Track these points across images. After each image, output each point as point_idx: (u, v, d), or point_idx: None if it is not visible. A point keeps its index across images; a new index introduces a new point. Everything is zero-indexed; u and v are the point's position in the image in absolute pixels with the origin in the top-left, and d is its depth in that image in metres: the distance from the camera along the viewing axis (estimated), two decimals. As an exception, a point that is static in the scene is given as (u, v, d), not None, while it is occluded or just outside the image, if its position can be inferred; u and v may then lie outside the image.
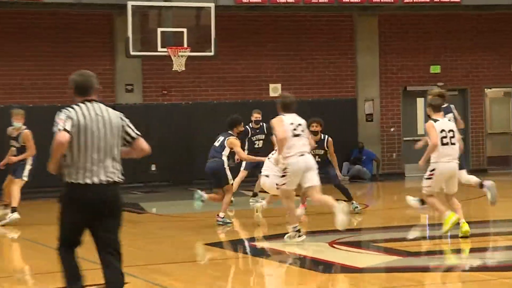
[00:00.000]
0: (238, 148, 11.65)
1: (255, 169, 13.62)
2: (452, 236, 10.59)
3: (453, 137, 9.49)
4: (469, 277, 7.72)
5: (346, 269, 8.21)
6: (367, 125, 19.94)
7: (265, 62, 19.48)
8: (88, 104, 5.80)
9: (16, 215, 11.88)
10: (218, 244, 9.80)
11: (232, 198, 12.25)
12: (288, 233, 9.58)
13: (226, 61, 19.08)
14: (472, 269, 8.05)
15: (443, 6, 19.61)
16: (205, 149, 19.02)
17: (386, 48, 20.09)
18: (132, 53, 15.73)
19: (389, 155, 19.88)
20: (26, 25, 18.10)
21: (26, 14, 18.05)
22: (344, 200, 11.72)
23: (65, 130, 5.64)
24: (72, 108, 5.78)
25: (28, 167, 12.01)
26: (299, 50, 19.64)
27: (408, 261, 8.66)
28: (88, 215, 5.72)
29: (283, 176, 9.38)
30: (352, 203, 12.01)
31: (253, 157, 12.56)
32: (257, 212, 11.23)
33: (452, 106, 11.51)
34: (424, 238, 10.56)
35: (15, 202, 11.93)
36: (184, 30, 15.90)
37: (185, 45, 15.80)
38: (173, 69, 15.94)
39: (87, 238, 5.96)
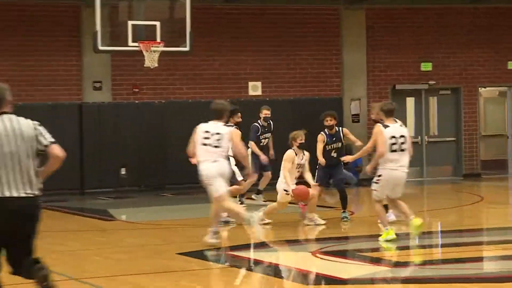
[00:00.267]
0: (237, 139, 11.65)
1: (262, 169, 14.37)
2: (444, 245, 10.65)
3: (403, 143, 9.87)
4: (461, 289, 7.77)
5: (330, 280, 8.23)
6: (353, 126, 19.95)
7: (244, 58, 19.49)
8: None
9: None
10: (192, 254, 9.79)
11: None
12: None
13: (202, 57, 19.06)
14: (464, 280, 8.09)
15: (436, -2, 19.79)
16: (179, 152, 19.11)
17: (374, 44, 20.17)
18: (100, 47, 15.67)
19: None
20: (-14, 17, 17.97)
21: (-14, 5, 17.93)
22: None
23: None
24: None
25: None
26: (280, 46, 19.66)
27: (396, 272, 8.69)
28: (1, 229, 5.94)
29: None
30: (344, 211, 12.16)
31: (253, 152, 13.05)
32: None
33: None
34: (412, 247, 10.60)
35: None
36: (157, 23, 15.86)
37: (158, 40, 15.75)
38: (145, 65, 15.89)
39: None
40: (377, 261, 9.30)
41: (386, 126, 10.03)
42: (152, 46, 15.64)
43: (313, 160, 12.34)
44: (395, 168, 9.87)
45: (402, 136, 9.95)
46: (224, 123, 10.46)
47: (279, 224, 12.57)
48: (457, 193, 18.03)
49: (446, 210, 14.24)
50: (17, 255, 6.07)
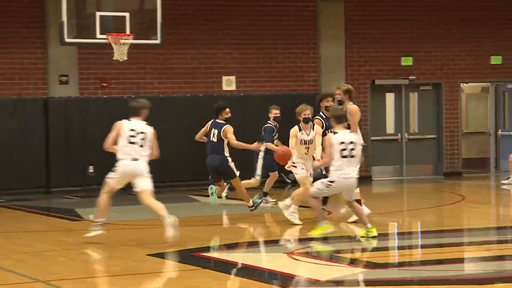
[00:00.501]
0: (230, 135, 13.04)
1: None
2: (423, 246, 10.78)
3: (353, 149, 10.38)
4: (440, 291, 7.88)
5: (306, 282, 8.30)
6: (331, 123, 20.10)
7: (217, 51, 19.51)
8: None
9: None
10: (163, 255, 9.83)
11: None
12: None
13: (174, 50, 19.06)
14: (444, 282, 8.20)
15: (416, -9, 19.92)
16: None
17: (353, 37, 20.27)
18: (67, 40, 15.60)
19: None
20: None
21: None
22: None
23: None
24: None
25: None
26: (256, 39, 19.71)
27: (373, 274, 8.79)
28: None
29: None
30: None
31: (245, 145, 13.27)
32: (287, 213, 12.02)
33: None
34: (392, 248, 10.72)
35: None
36: (127, 14, 15.82)
37: (128, 32, 15.71)
38: (113, 59, 15.85)
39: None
40: (354, 262, 9.40)
41: (335, 133, 10.53)
42: (121, 39, 15.60)
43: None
44: (345, 177, 10.38)
45: (351, 142, 10.42)
46: (144, 121, 11.12)
47: (259, 224, 12.64)
48: (438, 192, 18.20)
49: (426, 209, 14.38)
50: None
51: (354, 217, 11.93)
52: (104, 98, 18.61)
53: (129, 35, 15.63)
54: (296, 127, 11.96)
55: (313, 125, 11.99)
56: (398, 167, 20.39)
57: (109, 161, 18.61)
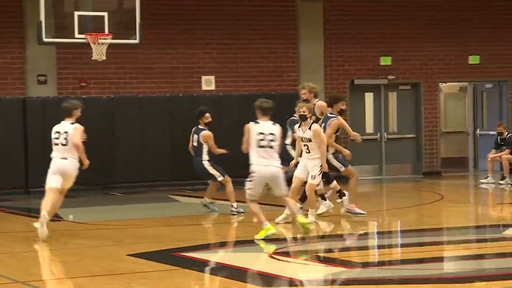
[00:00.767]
0: (211, 142, 13.47)
1: None
2: (403, 245, 10.83)
3: (272, 140, 10.56)
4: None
5: (286, 282, 8.32)
6: (311, 123, 20.13)
7: (197, 51, 19.50)
8: None
9: None
10: (143, 255, 9.81)
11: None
12: None
13: (153, 50, 19.02)
14: (424, 281, 8.24)
15: (395, -10, 20.00)
16: (128, 149, 19.07)
17: (332, 37, 20.32)
18: (45, 39, 15.55)
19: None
20: None
21: None
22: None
23: None
24: None
25: None
26: (235, 39, 19.71)
27: (355, 273, 8.82)
28: None
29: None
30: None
31: (222, 150, 13.44)
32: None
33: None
34: (373, 247, 10.76)
35: None
36: (105, 14, 15.79)
37: (106, 31, 15.68)
38: (92, 58, 15.82)
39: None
40: (334, 261, 9.42)
41: (256, 123, 10.75)
42: (99, 38, 15.57)
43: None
44: (266, 164, 10.49)
45: (271, 133, 10.59)
46: (72, 122, 11.65)
47: (240, 224, 12.65)
48: (417, 191, 18.29)
49: (405, 209, 14.45)
50: None
51: (322, 209, 12.34)
52: (83, 98, 18.50)
53: (107, 34, 15.61)
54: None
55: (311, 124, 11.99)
56: (378, 166, 20.47)
57: (90, 161, 18.62)
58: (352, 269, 9.00)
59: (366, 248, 10.69)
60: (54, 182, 11.37)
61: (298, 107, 12.00)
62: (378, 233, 11.80)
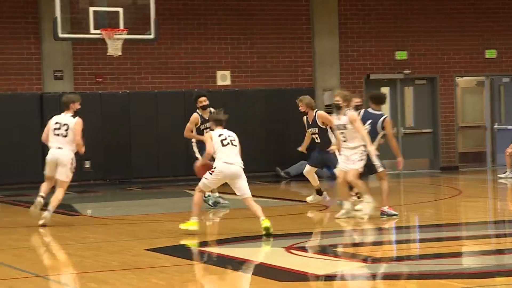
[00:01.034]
0: (190, 125, 13.49)
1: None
2: (422, 240, 10.82)
3: (234, 140, 10.90)
4: (440, 285, 7.90)
5: (304, 276, 8.32)
6: (327, 118, 20.10)
7: (211, 46, 19.51)
8: None
9: None
10: (161, 250, 9.85)
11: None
12: None
13: (168, 45, 19.05)
14: (443, 276, 8.23)
15: (411, -16, 19.95)
16: (144, 144, 19.12)
17: (347, 31, 20.28)
18: (60, 35, 15.60)
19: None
20: None
21: None
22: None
23: None
24: None
25: None
26: (250, 34, 19.71)
27: (372, 268, 8.82)
28: None
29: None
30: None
31: (200, 136, 13.29)
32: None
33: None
34: (390, 242, 10.75)
35: None
36: (120, 9, 15.83)
37: (122, 27, 15.72)
38: (108, 54, 15.86)
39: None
40: (352, 256, 9.42)
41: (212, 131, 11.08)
42: (115, 34, 15.60)
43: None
44: (230, 162, 10.69)
45: (230, 136, 10.92)
46: (72, 115, 12.28)
47: (250, 219, 12.67)
48: (435, 186, 18.24)
49: (423, 204, 14.41)
50: None
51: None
52: (99, 94, 18.60)
53: (123, 30, 15.63)
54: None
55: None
56: (394, 161, 20.38)
57: (105, 156, 18.71)
58: (370, 264, 9.00)
59: (384, 243, 10.68)
60: (48, 170, 12.24)
61: (353, 98, 12.28)
62: (396, 228, 11.79)
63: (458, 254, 9.59)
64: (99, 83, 18.77)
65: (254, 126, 18.96)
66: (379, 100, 12.58)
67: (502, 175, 18.15)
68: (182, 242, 10.43)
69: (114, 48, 15.70)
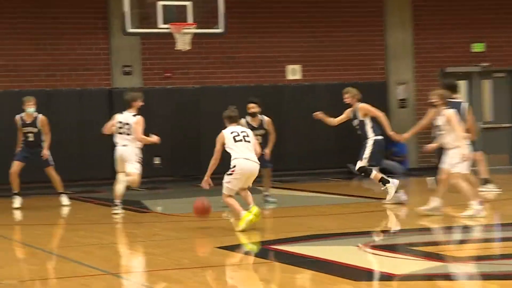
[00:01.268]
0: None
1: None
2: (503, 239, 10.59)
3: (246, 136, 11.15)
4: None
5: (379, 276, 8.23)
6: (400, 112, 19.91)
7: (281, 39, 19.48)
8: None
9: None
10: (233, 248, 9.84)
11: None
12: None
13: (237, 39, 19.07)
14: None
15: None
16: (214, 140, 19.11)
17: (421, 23, 20.04)
18: (129, 30, 15.74)
19: (424, 147, 19.77)
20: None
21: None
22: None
23: None
24: None
25: (48, 152, 14.24)
26: (320, 27, 19.61)
27: (452, 268, 8.66)
28: None
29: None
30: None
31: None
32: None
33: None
34: (470, 240, 10.56)
35: (61, 187, 14.35)
36: (189, 3, 15.88)
37: (190, 21, 15.78)
38: (176, 48, 15.94)
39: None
40: (431, 256, 9.27)
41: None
42: (183, 28, 15.68)
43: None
44: (247, 158, 10.91)
45: (243, 131, 11.22)
46: (134, 113, 12.87)
47: (323, 216, 12.59)
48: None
49: (503, 201, 14.14)
50: None
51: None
52: (168, 89, 18.72)
53: (191, 24, 15.69)
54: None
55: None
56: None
57: (174, 153, 18.83)
58: (449, 263, 8.84)
59: (463, 241, 10.49)
60: (118, 167, 12.97)
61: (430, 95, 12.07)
62: (476, 226, 11.57)
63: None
64: (168, 78, 18.89)
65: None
66: (455, 87, 12.60)
67: None
68: (253, 240, 10.39)
69: (183, 43, 15.78)
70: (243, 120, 13.42)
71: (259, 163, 11.06)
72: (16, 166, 14.20)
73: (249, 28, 19.25)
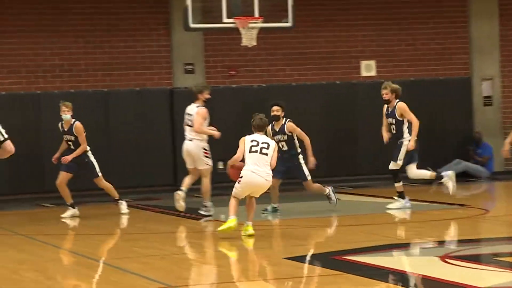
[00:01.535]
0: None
1: None
2: None
3: (265, 148, 11.31)
4: None
5: (463, 289, 8.17)
6: (485, 110, 19.69)
7: (355, 34, 19.44)
8: None
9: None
10: (300, 258, 9.85)
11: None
12: None
13: (307, 34, 19.09)
14: None
15: None
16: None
17: (509, 13, 19.80)
18: (192, 25, 15.86)
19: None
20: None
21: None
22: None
23: None
24: None
25: (94, 161, 14.17)
26: (397, 19, 19.52)
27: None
28: None
29: None
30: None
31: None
32: None
33: None
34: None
35: (116, 194, 14.40)
36: (255, -4, 15.95)
37: (256, 15, 15.84)
38: (242, 44, 16.01)
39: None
40: (517, 267, 9.16)
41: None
42: (249, 22, 15.73)
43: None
44: (255, 171, 11.12)
45: (264, 142, 11.36)
46: (199, 104, 13.54)
47: (405, 225, 12.52)
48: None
49: None
50: None
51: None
52: (233, 88, 18.81)
53: (258, 18, 15.74)
54: None
55: None
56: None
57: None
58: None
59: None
60: (187, 162, 13.62)
61: None
62: None
63: None
64: (233, 77, 18.99)
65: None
66: None
67: None
68: (323, 250, 10.38)
69: (249, 38, 15.83)
70: (269, 127, 13.44)
71: (269, 179, 11.21)
72: (61, 176, 14.07)
73: (320, 21, 19.24)
